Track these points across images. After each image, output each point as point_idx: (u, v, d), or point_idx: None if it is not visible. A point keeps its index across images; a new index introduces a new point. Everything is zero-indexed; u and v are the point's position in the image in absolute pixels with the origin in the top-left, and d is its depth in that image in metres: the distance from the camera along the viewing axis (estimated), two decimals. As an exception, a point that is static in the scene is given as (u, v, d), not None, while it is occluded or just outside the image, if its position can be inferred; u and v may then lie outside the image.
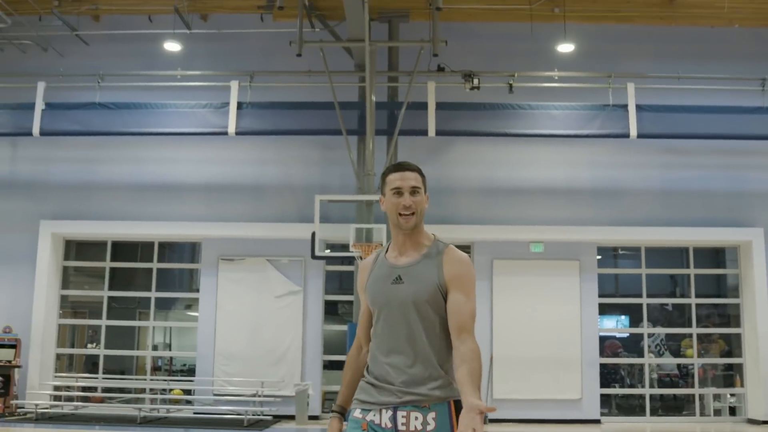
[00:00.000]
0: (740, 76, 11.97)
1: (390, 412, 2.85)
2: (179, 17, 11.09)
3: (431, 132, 11.36)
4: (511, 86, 11.65)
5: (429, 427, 2.80)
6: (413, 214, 2.99)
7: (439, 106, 11.48)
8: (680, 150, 12.32)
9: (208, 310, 11.82)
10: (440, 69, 11.49)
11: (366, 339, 3.05)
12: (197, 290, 12.06)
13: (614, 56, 12.07)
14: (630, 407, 12.69)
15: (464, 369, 2.76)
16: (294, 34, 11.22)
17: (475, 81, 11.41)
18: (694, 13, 12.00)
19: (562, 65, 11.87)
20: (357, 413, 2.90)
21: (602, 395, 12.10)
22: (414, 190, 3.01)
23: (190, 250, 13.16)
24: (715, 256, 13.16)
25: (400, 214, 2.99)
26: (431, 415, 2.83)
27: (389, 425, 2.84)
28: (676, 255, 13.05)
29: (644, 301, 12.58)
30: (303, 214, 11.82)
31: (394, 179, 3.03)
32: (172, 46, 11.91)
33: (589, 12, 11.77)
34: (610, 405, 12.62)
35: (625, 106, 11.58)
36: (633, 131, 11.48)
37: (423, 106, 11.38)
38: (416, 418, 2.84)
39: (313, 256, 10.47)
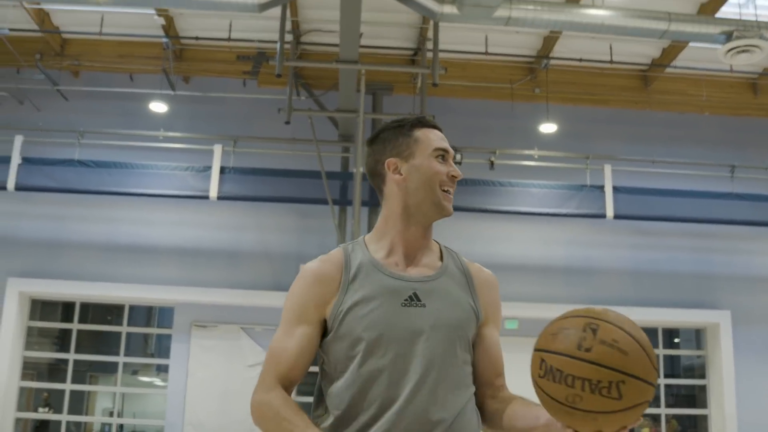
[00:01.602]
0: (710, 162, 12.37)
1: None
2: (165, 77, 11.05)
3: (413, 204, 11.40)
4: (492, 163, 11.81)
5: None
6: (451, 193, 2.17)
7: (421, 179, 11.56)
8: (650, 231, 12.57)
9: (179, 377, 11.52)
10: (423, 142, 11.60)
11: (288, 379, 2.06)
12: (152, 355, 11.81)
13: (591, 137, 12.36)
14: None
15: (526, 399, 2.05)
16: (277, 101, 11.32)
17: (458, 156, 11.56)
18: (666, 99, 12.40)
19: (541, 144, 12.10)
20: None
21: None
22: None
23: (145, 315, 12.91)
24: (669, 337, 13.34)
25: (444, 189, 2.14)
26: None
27: None
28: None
29: (613, 379, 12.65)
30: (279, 282, 11.70)
31: (437, 137, 2.19)
32: (157, 107, 11.80)
33: (568, 93, 12.06)
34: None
35: (601, 187, 11.82)
36: (609, 212, 11.71)
37: (405, 178, 11.44)
38: None
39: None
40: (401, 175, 2.13)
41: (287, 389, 2.06)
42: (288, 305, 2.13)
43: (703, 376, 12.87)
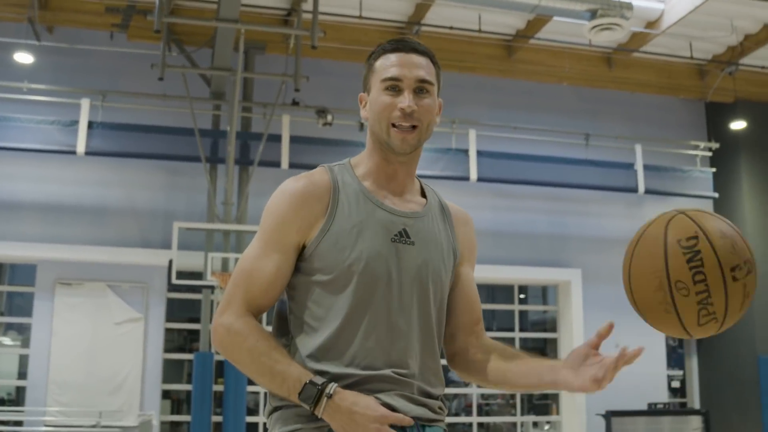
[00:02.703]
0: (567, 130, 13.08)
1: None
2: (30, 26, 10.62)
3: (284, 164, 11.51)
4: (362, 125, 12.04)
5: None
6: (415, 127, 1.97)
7: (293, 139, 11.68)
8: (510, 194, 13.17)
9: (42, 336, 11.25)
10: (295, 103, 11.69)
11: (258, 306, 1.92)
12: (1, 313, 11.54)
13: (458, 103, 12.75)
14: (455, 436, 13.36)
15: (509, 348, 2.07)
16: (148, 56, 11.12)
17: (329, 117, 11.72)
18: (529, 69, 12.94)
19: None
20: None
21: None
22: (421, 87, 2.01)
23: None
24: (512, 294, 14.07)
25: (394, 125, 1.95)
26: None
27: None
28: (502, 292, 13.94)
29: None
30: (146, 240, 11.61)
31: (390, 64, 2.00)
32: (22, 57, 11.30)
33: (437, 59, 12.36)
34: None
35: (466, 151, 12.31)
36: (473, 175, 12.21)
37: (276, 138, 11.52)
38: None
39: (171, 284, 10.31)
40: (364, 108, 2.04)
41: (255, 317, 1.93)
42: (267, 223, 1.97)
43: (553, 329, 13.71)
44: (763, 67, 13.31)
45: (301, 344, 1.90)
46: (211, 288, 10.47)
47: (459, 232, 2.11)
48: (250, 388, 11.58)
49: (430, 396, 1.94)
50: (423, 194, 2.13)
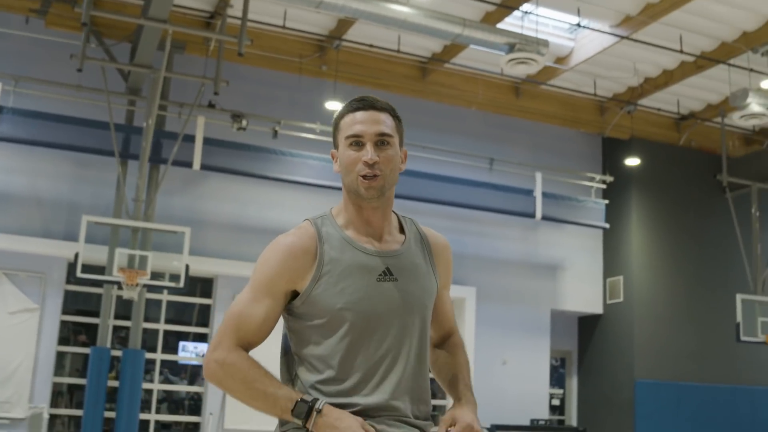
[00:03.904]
0: (473, 153, 13.56)
1: None
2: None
3: (196, 165, 11.57)
4: (276, 132, 12.19)
5: None
6: (376, 176, 2.16)
7: (206, 141, 11.74)
8: (412, 210, 13.41)
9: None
10: (211, 105, 11.75)
11: (248, 343, 2.12)
12: None
13: (371, 118, 13.05)
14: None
15: (465, 359, 2.35)
16: (64, 45, 11.02)
17: (243, 122, 11.83)
18: (441, 91, 13.37)
19: (324, 119, 12.64)
20: None
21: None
22: (382, 140, 2.19)
23: None
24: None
25: (362, 176, 2.15)
26: None
27: None
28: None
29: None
30: (48, 230, 11.45)
31: (352, 122, 2.18)
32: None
33: (355, 75, 12.65)
34: None
35: (374, 166, 12.59)
36: (379, 190, 12.50)
37: (190, 138, 11.55)
38: None
39: (75, 277, 10.22)
40: (336, 163, 2.23)
41: (246, 351, 2.14)
42: (259, 273, 2.15)
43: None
44: (659, 109, 14.13)
45: (304, 379, 2.12)
46: (116, 284, 10.43)
47: (438, 260, 2.32)
48: (146, 386, 11.58)
49: (420, 416, 2.18)
50: (402, 229, 2.32)
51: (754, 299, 13.80)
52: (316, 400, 2.02)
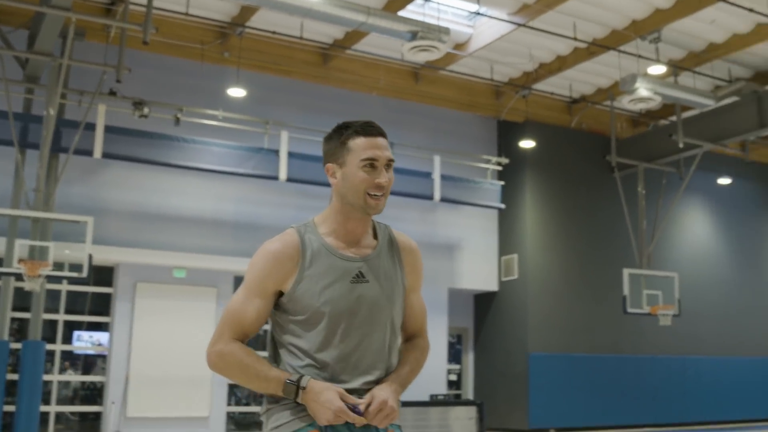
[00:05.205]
0: (374, 137, 13.79)
1: None
2: None
3: (97, 154, 11.45)
4: (177, 119, 12.15)
5: None
6: (384, 195, 2.42)
7: (107, 129, 11.61)
8: (314, 194, 13.70)
9: None
10: (112, 93, 11.62)
11: (244, 335, 2.44)
12: None
13: (273, 104, 13.16)
14: (247, 424, 13.80)
15: (415, 356, 2.58)
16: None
17: (145, 109, 11.75)
18: (342, 77, 13.56)
19: (227, 106, 12.66)
20: None
21: (228, 413, 13.06)
22: (389, 164, 2.43)
23: None
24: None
25: (370, 195, 2.38)
26: None
27: None
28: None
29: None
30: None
31: (366, 146, 2.41)
32: None
33: (257, 61, 12.71)
34: (234, 422, 13.61)
35: (277, 151, 12.73)
36: (282, 174, 12.69)
37: (90, 126, 11.41)
38: None
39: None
40: (336, 179, 2.42)
41: (242, 342, 2.45)
42: (250, 275, 2.43)
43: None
44: (552, 93, 14.68)
45: (288, 366, 2.44)
46: (16, 275, 10.27)
47: (407, 263, 2.54)
48: (46, 377, 11.49)
49: None
50: (376, 235, 2.55)
51: (639, 273, 14.63)
52: (300, 378, 2.35)
